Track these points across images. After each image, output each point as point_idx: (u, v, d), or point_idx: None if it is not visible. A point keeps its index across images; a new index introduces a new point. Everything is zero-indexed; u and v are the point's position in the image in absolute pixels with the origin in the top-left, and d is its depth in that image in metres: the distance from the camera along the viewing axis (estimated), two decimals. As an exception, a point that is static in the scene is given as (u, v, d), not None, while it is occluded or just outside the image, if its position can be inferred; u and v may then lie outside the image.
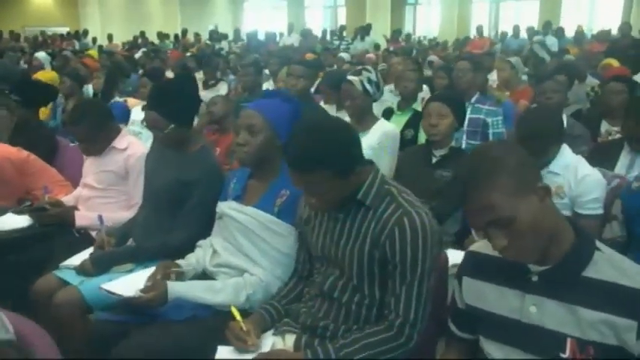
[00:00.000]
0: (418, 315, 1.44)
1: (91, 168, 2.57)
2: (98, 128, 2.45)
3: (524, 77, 5.62)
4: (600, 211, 2.15)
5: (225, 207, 1.90)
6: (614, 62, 4.92)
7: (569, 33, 11.34)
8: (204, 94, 5.92)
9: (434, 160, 2.60)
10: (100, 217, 2.27)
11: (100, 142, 2.48)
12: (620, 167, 2.89)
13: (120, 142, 2.52)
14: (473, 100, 3.58)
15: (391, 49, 10.65)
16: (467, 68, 3.63)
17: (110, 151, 2.52)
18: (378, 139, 2.85)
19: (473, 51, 9.87)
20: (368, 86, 2.87)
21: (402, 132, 3.70)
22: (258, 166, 1.85)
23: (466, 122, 3.53)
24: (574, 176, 2.15)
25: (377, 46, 11.15)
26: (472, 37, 13.21)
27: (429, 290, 1.46)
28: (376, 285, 1.51)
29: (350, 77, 2.91)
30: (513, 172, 1.09)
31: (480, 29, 11.53)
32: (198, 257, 1.97)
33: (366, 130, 2.91)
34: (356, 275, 1.51)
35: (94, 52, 8.94)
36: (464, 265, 1.33)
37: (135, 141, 2.60)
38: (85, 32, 14.57)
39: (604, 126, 3.63)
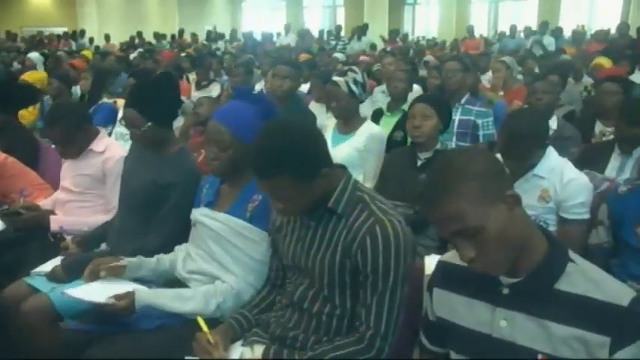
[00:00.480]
0: (390, 327, 1.39)
1: (69, 171, 2.52)
2: (74, 130, 2.39)
3: (520, 77, 5.56)
4: (586, 216, 2.09)
5: (197, 214, 1.85)
6: (606, 62, 4.86)
7: (568, 33, 11.28)
8: (196, 95, 5.88)
9: (419, 163, 2.54)
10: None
11: (76, 144, 2.42)
12: (611, 170, 2.83)
13: (98, 145, 2.47)
14: (463, 100, 3.52)
15: (388, 49, 10.62)
16: (456, 69, 3.56)
17: (88, 153, 2.46)
18: (364, 142, 2.80)
19: (468, 51, 9.83)
20: (353, 87, 2.81)
21: (392, 134, 3.65)
22: (230, 175, 1.80)
23: (456, 123, 3.49)
24: (560, 180, 2.09)
25: (373, 46, 11.09)
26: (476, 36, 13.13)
27: (402, 300, 1.41)
28: (347, 295, 1.45)
29: (335, 78, 2.86)
30: (480, 180, 1.03)
31: (470, 29, 11.42)
32: (172, 261, 1.92)
33: (352, 132, 2.85)
34: (327, 285, 1.46)
35: (88, 53, 8.88)
36: (435, 276, 1.28)
37: (113, 144, 2.54)
38: (82, 32, 14.49)
39: (598, 127, 3.57)
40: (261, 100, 1.75)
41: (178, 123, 3.66)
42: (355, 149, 2.80)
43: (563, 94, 4.89)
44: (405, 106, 3.75)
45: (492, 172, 1.05)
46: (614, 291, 1.03)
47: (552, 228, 2.16)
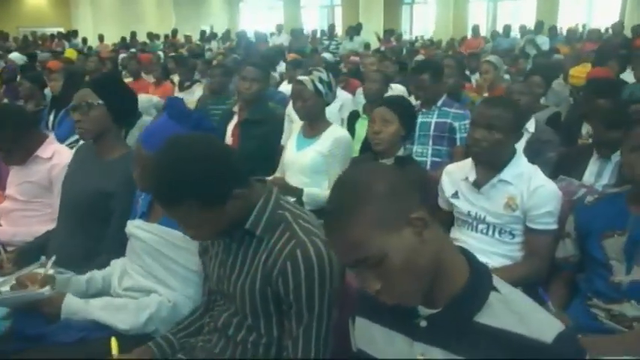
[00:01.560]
0: (319, 358, 1.26)
1: (14, 179, 2.39)
2: (17, 135, 2.27)
3: (507, 77, 5.43)
4: (554, 227, 1.96)
5: (130, 226, 1.72)
6: (580, 72, 4.73)
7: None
8: (180, 96, 5.76)
9: (383, 168, 2.41)
10: None
11: (20, 150, 2.30)
12: (589, 175, 2.70)
13: (44, 151, 2.35)
14: (439, 103, 3.38)
15: (382, 48, 10.49)
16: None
17: (34, 160, 2.34)
18: (329, 146, 2.67)
19: (467, 50, 9.70)
20: (319, 86, 2.68)
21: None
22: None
23: (432, 127, 3.37)
24: (527, 187, 1.96)
25: (367, 46, 10.94)
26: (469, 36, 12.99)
27: (330, 328, 1.28)
28: (274, 323, 1.33)
29: (300, 77, 2.73)
30: (381, 203, 0.90)
31: (475, 29, 11.27)
32: (106, 278, 1.80)
33: (316, 136, 2.72)
34: (250, 313, 1.34)
35: (71, 53, 8.75)
36: (358, 304, 1.15)
37: (61, 149, 2.41)
38: (75, 33, 14.39)
39: (585, 127, 3.44)
40: (185, 117, 1.58)
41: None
42: (320, 154, 2.68)
43: (551, 95, 4.78)
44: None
45: (395, 193, 0.93)
46: (538, 325, 0.90)
47: (519, 239, 2.03)
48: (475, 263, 1.00)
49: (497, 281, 0.98)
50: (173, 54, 9.16)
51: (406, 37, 17.88)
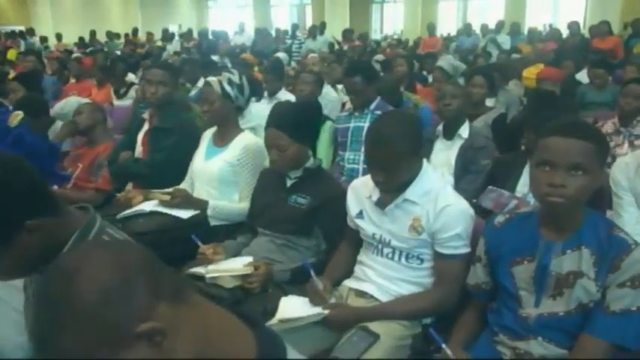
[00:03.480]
0: None
1: None
2: None
3: (461, 79, 5.24)
4: (464, 251, 1.73)
5: None
6: (532, 73, 4.59)
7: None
8: (117, 104, 5.44)
9: (289, 183, 2.17)
10: None
11: None
12: (522, 185, 2.50)
13: None
14: (372, 106, 3.15)
15: (345, 48, 10.26)
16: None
17: None
18: (238, 155, 2.42)
19: (425, 50, 9.53)
20: (228, 88, 2.44)
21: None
22: None
23: (364, 132, 3.13)
24: (433, 206, 1.73)
25: (331, 46, 10.71)
26: (439, 35, 12.83)
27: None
28: None
29: (208, 78, 2.47)
30: (87, 322, 0.64)
31: (431, 27, 11.07)
32: None
33: (226, 144, 2.47)
34: None
35: (12, 54, 8.35)
36: None
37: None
38: (31, 31, 13.88)
39: (529, 132, 3.25)
40: (5, 136, 1.33)
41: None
42: (228, 163, 2.43)
43: (502, 96, 4.59)
44: (315, 112, 3.40)
45: (108, 303, 0.65)
46: None
47: (428, 264, 1.80)
48: (265, 343, 0.74)
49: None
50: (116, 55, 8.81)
51: (376, 36, 17.75)
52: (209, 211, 2.40)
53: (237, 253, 2.21)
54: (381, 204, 1.81)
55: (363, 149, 3.12)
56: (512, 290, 1.54)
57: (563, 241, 1.46)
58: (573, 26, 8.24)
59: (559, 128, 1.41)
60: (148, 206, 2.37)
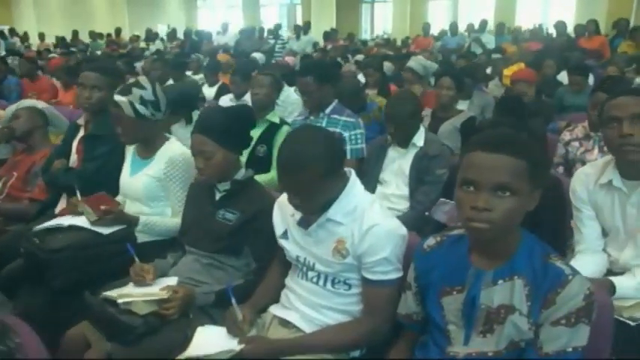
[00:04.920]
0: None
1: None
2: None
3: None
4: (394, 276, 1.54)
5: None
6: (512, 71, 4.43)
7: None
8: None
9: (217, 195, 1.98)
10: None
11: None
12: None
13: None
14: (328, 110, 2.96)
15: (329, 47, 10.08)
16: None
17: None
18: (164, 169, 2.22)
19: (417, 49, 9.36)
20: (141, 108, 2.17)
21: (255, 148, 3.11)
22: None
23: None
24: (359, 227, 1.54)
25: (316, 45, 10.53)
26: (429, 34, 12.66)
27: None
28: None
29: (117, 97, 2.17)
30: None
31: (426, 27, 10.91)
32: None
33: (150, 157, 2.27)
34: None
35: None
36: None
37: None
38: (12, 31, 13.65)
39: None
40: None
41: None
42: (154, 178, 2.22)
43: (477, 98, 4.41)
44: (271, 116, 3.21)
45: None
46: None
47: (357, 289, 1.61)
48: None
49: None
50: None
51: (367, 36, 17.57)
52: (139, 227, 2.21)
53: (165, 273, 2.02)
54: (304, 223, 1.62)
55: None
56: (440, 323, 1.35)
57: (495, 269, 1.27)
58: (560, 26, 8.07)
59: (484, 142, 1.22)
60: (67, 220, 2.17)
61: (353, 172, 1.64)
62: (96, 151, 2.53)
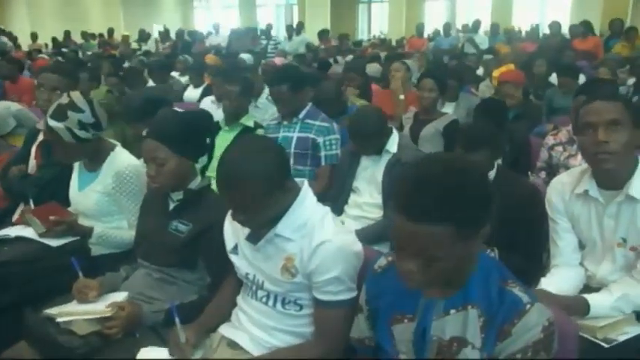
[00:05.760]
0: None
1: None
2: None
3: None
4: (346, 296, 1.42)
5: None
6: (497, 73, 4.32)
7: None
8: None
9: (171, 205, 1.86)
10: None
11: None
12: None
13: None
14: (301, 115, 2.84)
15: (322, 47, 9.97)
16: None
17: None
18: (112, 183, 2.10)
19: (410, 50, 9.24)
20: (81, 133, 2.03)
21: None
22: None
23: (293, 143, 2.84)
24: (309, 243, 1.42)
25: (309, 46, 10.41)
26: (426, 35, 12.54)
27: None
28: None
29: (51, 123, 2.01)
30: None
31: (420, 28, 10.79)
32: None
33: (97, 170, 2.15)
34: None
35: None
36: None
37: None
38: (1, 31, 13.54)
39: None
40: None
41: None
42: (104, 194, 2.11)
43: (463, 101, 4.30)
44: (245, 120, 3.10)
45: None
46: None
47: (308, 310, 1.49)
48: None
49: None
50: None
51: (363, 36, 17.44)
52: (93, 239, 2.09)
53: (116, 288, 1.91)
54: (253, 238, 1.50)
55: (292, 162, 2.83)
56: (391, 353, 1.24)
57: (447, 298, 1.15)
58: (554, 26, 7.95)
59: (405, 209, 1.01)
60: (15, 231, 2.05)
61: (306, 182, 1.53)
62: (53, 158, 2.41)
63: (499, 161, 2.98)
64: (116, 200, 2.11)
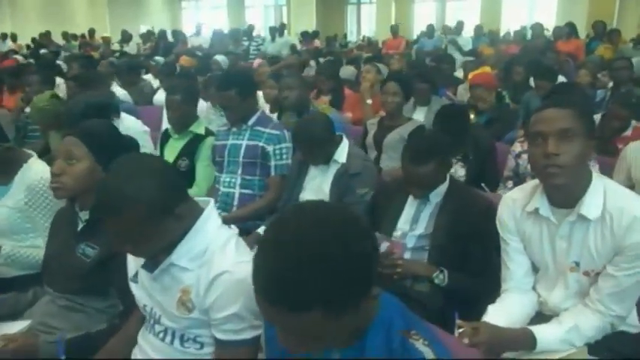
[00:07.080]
0: None
1: None
2: None
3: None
4: (247, 335, 1.22)
5: None
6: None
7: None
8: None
9: (80, 226, 1.67)
10: None
11: None
12: (404, 221, 2.04)
13: None
14: (251, 122, 2.65)
15: (304, 48, 9.79)
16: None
17: None
18: (24, 198, 1.92)
19: (389, 51, 9.08)
20: None
21: (176, 162, 2.81)
22: None
23: (242, 151, 2.65)
24: (206, 274, 1.23)
25: (293, 48, 10.22)
26: (415, 36, 12.37)
27: None
28: None
29: None
30: None
31: (394, 29, 10.56)
32: None
33: (8, 182, 1.96)
34: None
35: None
36: None
37: None
38: (-21, 32, 13.32)
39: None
40: None
41: None
42: (15, 209, 1.92)
43: (436, 104, 4.13)
44: (195, 127, 2.91)
45: None
46: None
47: (209, 348, 1.31)
48: None
49: None
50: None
51: (352, 37, 17.26)
52: (0, 260, 1.90)
53: (20, 312, 1.73)
54: (149, 266, 1.31)
55: (240, 171, 2.65)
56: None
57: (342, 349, 0.97)
58: (536, 28, 7.81)
59: None
60: None
61: (211, 202, 1.34)
62: None
63: (463, 171, 2.83)
64: (29, 217, 1.93)
